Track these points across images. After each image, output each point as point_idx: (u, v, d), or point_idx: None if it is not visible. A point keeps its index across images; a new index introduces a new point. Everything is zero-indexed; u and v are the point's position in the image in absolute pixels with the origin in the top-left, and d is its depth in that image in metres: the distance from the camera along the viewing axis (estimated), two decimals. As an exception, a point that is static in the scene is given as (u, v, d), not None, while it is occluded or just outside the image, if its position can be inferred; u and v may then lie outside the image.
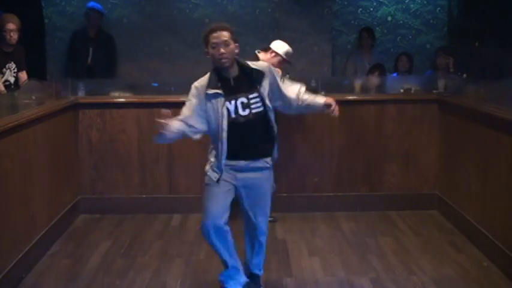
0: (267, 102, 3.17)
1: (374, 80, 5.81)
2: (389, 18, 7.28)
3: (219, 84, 3.13)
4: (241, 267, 3.46)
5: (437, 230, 4.73)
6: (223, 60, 3.10)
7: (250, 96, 3.15)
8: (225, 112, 3.12)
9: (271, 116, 3.22)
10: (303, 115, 5.09)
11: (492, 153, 4.11)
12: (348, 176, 5.21)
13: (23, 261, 3.79)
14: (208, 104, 3.14)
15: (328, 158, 5.17)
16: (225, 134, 3.12)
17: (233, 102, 3.14)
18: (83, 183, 5.14)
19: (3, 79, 5.11)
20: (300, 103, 3.30)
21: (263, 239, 3.47)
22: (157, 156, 5.13)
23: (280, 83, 3.28)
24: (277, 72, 3.33)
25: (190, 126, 3.17)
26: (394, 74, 6.58)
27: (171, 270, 3.95)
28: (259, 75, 3.17)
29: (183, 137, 3.23)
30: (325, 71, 6.84)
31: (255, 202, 3.33)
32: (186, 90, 5.00)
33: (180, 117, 3.18)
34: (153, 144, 5.09)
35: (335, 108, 3.30)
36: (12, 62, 5.18)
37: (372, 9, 7.25)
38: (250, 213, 3.36)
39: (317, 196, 5.18)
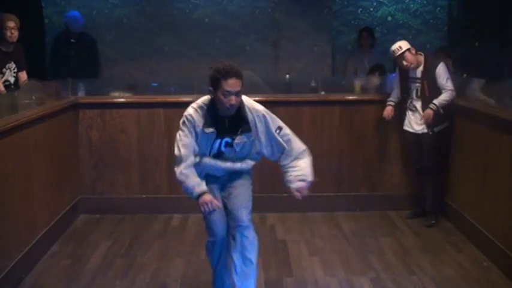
0: (236, 147, 3.14)
1: (374, 80, 5.80)
2: (389, 18, 7.27)
3: (214, 122, 3.08)
4: None
5: (437, 230, 4.73)
6: (231, 110, 3.04)
7: (236, 137, 3.11)
8: (216, 147, 3.14)
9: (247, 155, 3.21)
10: (302, 115, 5.10)
11: (492, 153, 4.11)
12: (348, 176, 5.21)
13: (23, 261, 3.79)
14: (202, 136, 3.10)
15: (328, 158, 5.17)
16: (207, 160, 3.17)
17: (219, 140, 3.12)
18: (83, 183, 5.14)
19: (3, 79, 5.10)
20: (283, 167, 3.25)
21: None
22: (157, 156, 5.13)
23: (274, 133, 3.17)
24: (270, 120, 3.17)
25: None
26: (394, 74, 6.57)
27: (171, 270, 3.95)
28: (245, 123, 3.11)
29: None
30: (325, 71, 6.84)
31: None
32: (186, 90, 5.08)
33: (188, 163, 3.12)
34: (153, 144, 5.12)
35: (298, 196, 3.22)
36: (12, 62, 5.18)
37: (372, 9, 7.25)
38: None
39: (317, 196, 5.16)
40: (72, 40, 6.49)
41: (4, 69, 5.13)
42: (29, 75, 5.34)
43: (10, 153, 3.69)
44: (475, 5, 6.66)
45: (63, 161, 4.78)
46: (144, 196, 5.19)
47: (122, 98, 5.33)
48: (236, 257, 3.22)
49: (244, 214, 3.21)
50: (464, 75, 5.74)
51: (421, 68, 4.73)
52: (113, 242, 4.50)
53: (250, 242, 3.23)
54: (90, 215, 5.09)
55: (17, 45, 5.17)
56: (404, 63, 4.70)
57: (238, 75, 2.98)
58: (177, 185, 5.10)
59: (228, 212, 3.27)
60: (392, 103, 4.94)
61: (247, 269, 3.23)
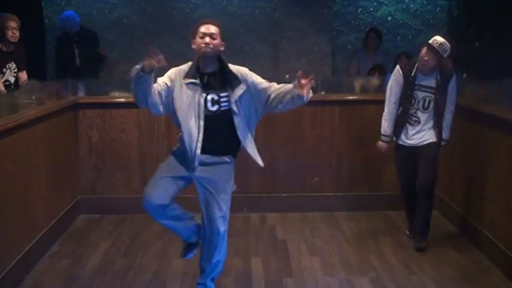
0: (233, 105, 3.20)
1: (374, 80, 5.80)
2: (389, 18, 7.28)
3: (197, 76, 3.23)
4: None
5: (438, 230, 4.73)
6: (207, 49, 3.18)
7: (221, 94, 3.21)
8: (202, 102, 3.19)
9: (237, 119, 3.22)
10: (302, 115, 5.10)
11: (492, 153, 4.11)
12: (348, 176, 5.21)
13: (23, 261, 3.79)
14: (183, 93, 3.21)
15: (328, 158, 5.17)
16: (202, 123, 3.19)
17: (204, 95, 3.21)
18: (83, 183, 5.13)
19: (3, 79, 5.11)
20: (278, 94, 3.24)
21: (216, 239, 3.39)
22: (157, 156, 5.12)
23: (260, 83, 3.28)
24: (252, 74, 3.31)
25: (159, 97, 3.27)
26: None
27: (171, 270, 3.95)
28: (234, 78, 3.23)
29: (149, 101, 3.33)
30: (325, 71, 6.84)
31: (210, 197, 3.38)
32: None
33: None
34: (153, 144, 5.11)
35: (305, 88, 3.11)
36: (13, 62, 5.18)
37: (372, 9, 7.25)
38: (204, 209, 3.44)
39: (317, 196, 5.18)
40: (75, 39, 6.45)
41: (4, 69, 5.13)
42: (29, 75, 5.34)
43: (10, 153, 3.69)
44: (475, 5, 6.66)
45: (63, 161, 4.78)
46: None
47: (122, 98, 5.32)
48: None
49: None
50: (464, 75, 5.74)
51: (437, 76, 4.19)
52: (113, 242, 4.49)
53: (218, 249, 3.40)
54: (90, 215, 5.08)
55: (18, 45, 5.17)
56: (425, 57, 4.16)
57: (213, 22, 3.23)
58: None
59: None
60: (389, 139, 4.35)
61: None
